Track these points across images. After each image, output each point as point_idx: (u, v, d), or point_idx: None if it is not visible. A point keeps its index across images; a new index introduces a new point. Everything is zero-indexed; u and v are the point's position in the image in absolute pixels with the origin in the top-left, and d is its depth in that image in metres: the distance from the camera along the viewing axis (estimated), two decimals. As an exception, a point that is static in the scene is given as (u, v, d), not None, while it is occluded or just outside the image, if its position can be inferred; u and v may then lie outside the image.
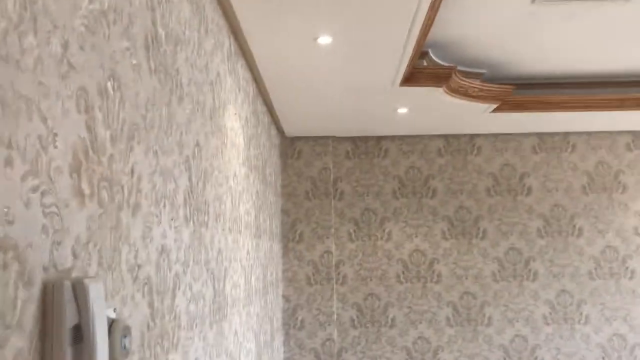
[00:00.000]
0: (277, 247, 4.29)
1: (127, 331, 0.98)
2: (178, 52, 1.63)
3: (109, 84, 1.09)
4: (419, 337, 4.55)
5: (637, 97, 3.93)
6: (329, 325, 4.54)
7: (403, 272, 4.62)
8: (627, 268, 4.59)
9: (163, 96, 1.46)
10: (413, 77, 3.24)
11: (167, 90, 1.51)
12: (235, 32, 2.54)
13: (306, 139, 4.69)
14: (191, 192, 1.72)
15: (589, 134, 4.73)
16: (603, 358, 4.50)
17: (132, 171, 1.21)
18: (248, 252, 2.90)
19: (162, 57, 1.46)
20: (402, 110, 3.96)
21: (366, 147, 4.75)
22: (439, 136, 4.76)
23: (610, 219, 4.64)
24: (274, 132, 4.24)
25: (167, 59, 1.52)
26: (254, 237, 3.14)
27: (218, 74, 2.21)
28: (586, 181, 4.69)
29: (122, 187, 1.15)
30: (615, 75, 3.93)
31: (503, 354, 4.53)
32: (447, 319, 4.57)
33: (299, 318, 4.55)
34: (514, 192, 4.69)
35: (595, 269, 4.60)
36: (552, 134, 4.74)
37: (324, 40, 2.65)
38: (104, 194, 1.05)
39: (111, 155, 1.09)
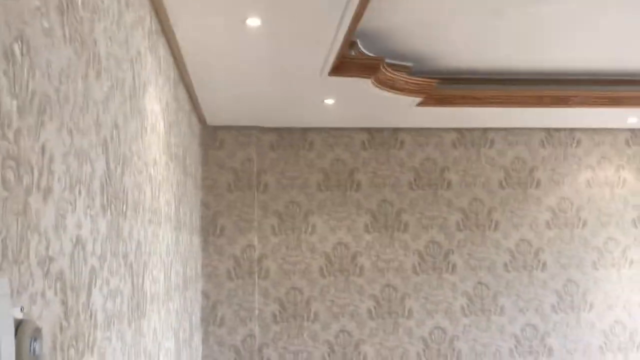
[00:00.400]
0: (197, 241, 4.12)
1: (37, 333, 0.83)
2: (96, 21, 1.46)
3: (16, 47, 0.94)
4: (342, 331, 4.52)
5: (553, 95, 4.09)
6: (250, 320, 4.42)
7: (326, 266, 4.57)
8: (539, 261, 4.78)
9: (79, 68, 1.30)
10: (342, 66, 3.18)
11: (84, 62, 1.34)
12: (158, 9, 2.37)
13: (229, 128, 4.54)
14: (108, 178, 1.56)
15: (507, 130, 4.88)
16: (516, 347, 4.67)
17: (43, 150, 1.05)
18: (168, 246, 2.73)
19: (78, 25, 1.30)
20: (329, 101, 3.90)
21: (291, 138, 4.67)
22: (364, 129, 4.75)
23: (524, 213, 4.82)
24: (195, 120, 4.05)
25: (84, 27, 1.35)
26: (174, 230, 2.97)
27: (139, 52, 2.04)
28: (503, 176, 4.84)
29: (32, 168, 0.99)
30: (535, 72, 4.07)
31: (423, 346, 4.59)
32: (369, 311, 4.57)
33: (219, 314, 4.40)
34: (435, 186, 4.76)
35: (510, 261, 4.75)
36: (472, 130, 4.85)
37: (253, 22, 2.53)
38: (10, 175, 0.89)
39: (18, 130, 0.94)
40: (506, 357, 4.66)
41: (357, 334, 4.54)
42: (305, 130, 4.68)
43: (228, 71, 3.19)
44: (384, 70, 3.40)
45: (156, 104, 2.43)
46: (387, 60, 3.47)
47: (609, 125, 4.88)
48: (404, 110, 4.20)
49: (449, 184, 4.78)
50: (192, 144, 3.84)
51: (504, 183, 4.83)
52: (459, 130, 4.84)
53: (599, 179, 4.93)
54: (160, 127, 2.53)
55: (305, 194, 4.62)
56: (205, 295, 4.41)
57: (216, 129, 4.53)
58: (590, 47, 3.59)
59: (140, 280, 2.02)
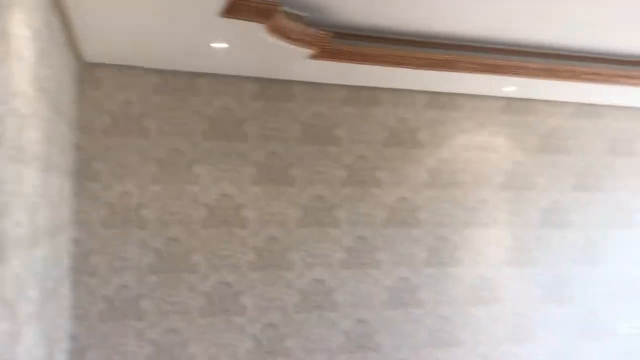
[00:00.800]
0: (68, 186, 3.83)
1: None
2: None
3: None
4: (221, 282, 4.47)
5: (441, 58, 4.20)
6: (125, 271, 4.23)
7: (209, 217, 4.47)
8: (415, 218, 4.99)
9: None
10: (235, 8, 3.03)
11: None
12: None
13: (108, 66, 4.22)
14: (-39, 102, 1.36)
15: (395, 90, 4.98)
16: (389, 299, 4.88)
17: None
18: (34, 188, 2.50)
19: None
20: (219, 46, 3.72)
21: (177, 83, 4.44)
22: (255, 79, 4.63)
23: (406, 172, 4.98)
24: (70, 54, 3.71)
25: None
26: (43, 171, 2.72)
27: (3, -36, 1.78)
28: (388, 135, 4.96)
29: None
30: (425, 35, 4.14)
31: (301, 297, 4.67)
32: (250, 263, 4.55)
33: (91, 263, 4.17)
34: (323, 142, 4.78)
35: (389, 217, 4.92)
36: (362, 88, 4.89)
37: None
38: None
39: None
40: (379, 307, 4.87)
41: (237, 286, 4.52)
42: (192, 75, 4.47)
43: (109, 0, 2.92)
44: (278, 16, 3.29)
45: (24, 29, 2.16)
46: (283, 8, 3.36)
47: (488, 93, 5.13)
48: (296, 63, 4.12)
49: (337, 141, 4.82)
50: (66, 80, 3.52)
51: (388, 142, 4.96)
52: (349, 87, 4.86)
53: (474, 143, 5.20)
54: (29, 55, 2.27)
55: (189, 142, 4.45)
56: (77, 243, 4.15)
57: (94, 66, 4.20)
58: (477, 14, 3.71)
59: (1, 222, 1.82)
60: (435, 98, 5.11)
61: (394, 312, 4.91)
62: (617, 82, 4.71)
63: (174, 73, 4.42)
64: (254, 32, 3.40)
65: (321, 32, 3.70)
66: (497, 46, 4.40)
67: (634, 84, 4.74)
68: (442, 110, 5.12)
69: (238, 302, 4.52)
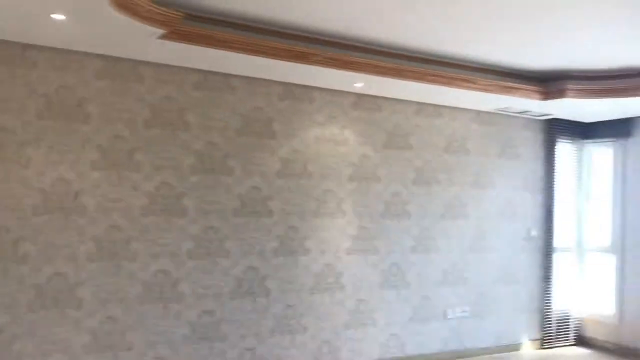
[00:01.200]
0: None
1: None
2: None
3: None
4: (55, 274, 4.14)
5: (297, 50, 4.23)
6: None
7: (43, 203, 4.10)
8: (266, 207, 5.00)
9: None
10: (76, -22, 2.78)
11: None
12: None
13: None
14: None
15: (249, 78, 4.93)
16: (237, 288, 4.85)
17: None
18: None
19: None
20: (58, 17, 3.41)
21: (11, 54, 4.00)
22: (100, 56, 4.31)
23: (258, 161, 4.97)
24: None
25: None
26: None
27: None
28: (242, 124, 4.90)
29: None
30: (282, 25, 4.14)
31: (144, 288, 4.47)
32: (88, 253, 4.27)
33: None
34: (172, 126, 4.61)
35: (240, 207, 4.88)
36: (214, 73, 4.78)
37: None
38: None
39: None
40: (227, 298, 4.82)
41: (73, 277, 4.21)
42: (26, 47, 4.06)
43: None
44: (125, -8, 3.08)
45: None
46: (131, -17, 3.16)
47: (340, 87, 5.27)
48: (145, 42, 3.91)
49: (187, 126, 4.66)
50: None
51: (241, 130, 4.90)
52: (202, 71, 4.72)
53: (325, 135, 5.32)
54: None
55: (22, 121, 4.04)
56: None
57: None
58: (332, 9, 3.78)
59: None
60: (290, 89, 5.14)
61: (241, 302, 4.89)
62: (456, 85, 5.08)
63: (8, 44, 3.98)
64: (97, 5, 3.16)
65: (172, 12, 3.54)
66: (351, 43, 4.53)
67: (470, 88, 5.15)
68: (296, 102, 5.17)
69: (74, 293, 4.22)
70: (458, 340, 6.06)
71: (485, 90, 5.21)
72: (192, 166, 4.68)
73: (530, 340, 6.57)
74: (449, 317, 6.02)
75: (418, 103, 5.85)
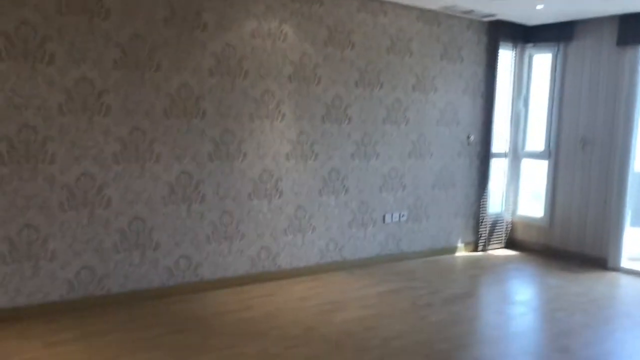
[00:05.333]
0: None
1: None
2: None
3: None
4: (-39, 179, 3.70)
5: None
6: None
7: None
8: (199, 109, 4.63)
9: None
10: None
11: None
12: None
13: None
14: None
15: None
16: (169, 194, 4.56)
17: None
18: None
19: None
20: None
21: None
22: None
23: (188, 57, 4.54)
24: None
25: None
26: None
27: None
28: (168, 13, 4.41)
29: None
30: None
31: (68, 194, 4.10)
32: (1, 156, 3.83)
33: None
34: (91, 13, 4.08)
35: (170, 107, 4.49)
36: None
37: None
38: None
39: None
40: (159, 204, 4.53)
41: (-17, 182, 3.79)
42: None
43: None
44: None
45: None
46: None
47: (278, -23, 4.82)
48: None
49: (108, 13, 4.14)
50: None
51: (168, 21, 4.42)
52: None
53: (263, 30, 4.91)
54: None
55: None
56: None
57: None
58: None
59: None
60: (223, -23, 4.65)
61: (174, 208, 4.61)
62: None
63: None
64: None
65: None
66: None
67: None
68: (229, -8, 4.69)
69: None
70: (395, 244, 6.08)
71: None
72: (116, 60, 4.21)
73: (465, 243, 6.70)
74: (387, 221, 5.99)
75: None
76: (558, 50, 6.51)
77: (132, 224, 4.43)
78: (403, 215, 6.10)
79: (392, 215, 6.01)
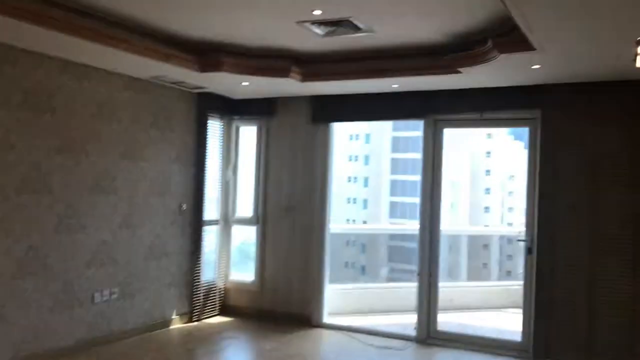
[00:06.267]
0: None
1: None
2: None
3: None
4: None
5: None
6: None
7: None
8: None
9: None
10: None
11: None
12: None
13: None
14: None
15: None
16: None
17: None
18: None
19: None
20: None
21: None
22: None
23: None
24: None
25: None
26: None
27: None
28: None
29: None
30: None
31: None
32: None
33: None
34: None
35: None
36: None
37: None
38: None
39: None
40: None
41: None
42: None
43: None
44: None
45: None
46: None
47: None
48: None
49: None
50: None
51: None
52: None
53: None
54: None
55: None
56: None
57: None
58: None
59: None
60: None
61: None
62: (110, 44, 4.50)
63: None
64: None
65: None
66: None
67: (127, 50, 4.64)
68: None
69: None
70: (106, 325, 5.58)
71: (143, 55, 4.79)
72: None
73: (180, 314, 6.52)
74: (96, 301, 5.47)
75: (64, 60, 5.07)
76: (262, 123, 6.99)
77: None
78: (114, 293, 5.65)
79: (101, 293, 5.52)
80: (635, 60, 2.93)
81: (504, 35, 4.23)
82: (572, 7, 3.23)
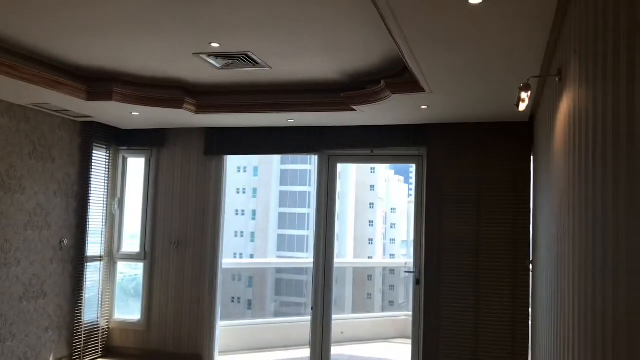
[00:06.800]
0: None
1: None
2: None
3: None
4: None
5: None
6: None
7: None
8: None
9: None
10: None
11: None
12: None
13: None
14: None
15: None
16: None
17: None
18: None
19: None
20: None
21: None
22: None
23: None
24: None
25: None
26: None
27: None
28: None
29: None
30: None
31: None
32: None
33: None
34: None
35: None
36: None
37: None
38: None
39: None
40: None
41: None
42: None
43: None
44: None
45: None
46: None
47: None
48: None
49: None
50: None
51: None
52: None
53: None
54: None
55: None
56: None
57: None
58: None
59: None
60: None
61: None
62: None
63: None
64: None
65: None
66: None
67: (10, 75, 4.33)
68: None
69: None
70: (-29, 376, 5.02)
71: (28, 81, 4.49)
72: None
73: (59, 358, 6.02)
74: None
75: (4, 102, 4.63)
76: (151, 155, 6.75)
77: None
78: (-18, 338, 5.12)
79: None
80: (517, 104, 3.19)
81: (397, 76, 4.45)
82: (458, 55, 3.48)
